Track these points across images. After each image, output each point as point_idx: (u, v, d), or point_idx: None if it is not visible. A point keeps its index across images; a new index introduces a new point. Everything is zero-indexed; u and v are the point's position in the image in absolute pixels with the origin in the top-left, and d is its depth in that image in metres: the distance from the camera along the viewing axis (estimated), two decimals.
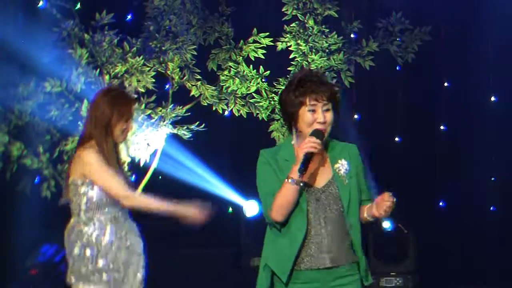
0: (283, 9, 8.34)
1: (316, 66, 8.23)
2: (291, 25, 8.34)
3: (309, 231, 4.17)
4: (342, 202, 4.18)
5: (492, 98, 8.80)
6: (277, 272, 4.19)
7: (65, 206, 5.26)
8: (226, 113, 8.40)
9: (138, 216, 5.28)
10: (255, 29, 8.36)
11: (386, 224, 8.39)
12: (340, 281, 4.20)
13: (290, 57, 8.33)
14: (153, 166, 8.28)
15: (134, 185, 5.85)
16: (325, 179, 4.22)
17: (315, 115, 4.17)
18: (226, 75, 8.36)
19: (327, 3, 8.34)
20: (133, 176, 8.30)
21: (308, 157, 4.09)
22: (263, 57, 8.35)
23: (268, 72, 8.36)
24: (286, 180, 4.12)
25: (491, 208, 8.77)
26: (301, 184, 4.12)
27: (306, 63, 8.27)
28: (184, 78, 8.35)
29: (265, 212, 4.23)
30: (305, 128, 4.20)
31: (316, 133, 4.15)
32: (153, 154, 8.26)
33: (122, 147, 5.30)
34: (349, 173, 4.21)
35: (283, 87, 8.21)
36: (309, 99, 4.17)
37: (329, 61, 8.30)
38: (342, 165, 4.21)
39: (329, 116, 4.19)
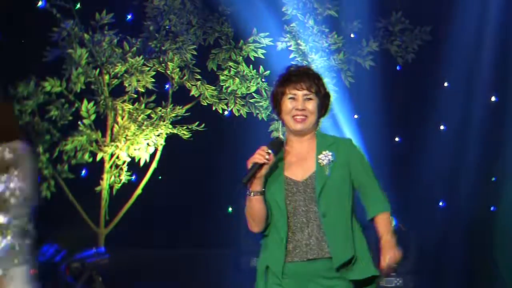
0: (283, 9, 8.34)
1: (316, 66, 8.23)
2: (291, 25, 8.34)
3: (290, 226, 4.15)
4: (315, 192, 4.13)
5: (492, 98, 8.80)
6: (273, 269, 4.17)
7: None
8: (226, 113, 8.40)
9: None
10: (255, 29, 8.36)
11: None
12: (326, 273, 4.15)
13: (290, 57, 8.34)
14: (153, 166, 8.29)
15: None
16: (308, 172, 4.19)
17: (294, 102, 4.22)
18: (226, 75, 8.36)
19: (327, 3, 8.34)
20: (133, 176, 8.31)
21: (256, 167, 4.07)
22: (263, 57, 8.36)
23: (268, 72, 8.36)
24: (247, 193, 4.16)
25: (491, 208, 8.77)
26: (257, 194, 4.13)
27: (306, 62, 8.27)
28: (184, 78, 8.35)
29: None
30: (286, 117, 4.24)
31: (273, 143, 4.16)
32: (153, 154, 8.27)
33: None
34: (332, 164, 4.16)
35: None
36: (289, 89, 4.24)
37: (329, 61, 8.30)
38: (326, 156, 4.17)
39: (310, 104, 4.22)
